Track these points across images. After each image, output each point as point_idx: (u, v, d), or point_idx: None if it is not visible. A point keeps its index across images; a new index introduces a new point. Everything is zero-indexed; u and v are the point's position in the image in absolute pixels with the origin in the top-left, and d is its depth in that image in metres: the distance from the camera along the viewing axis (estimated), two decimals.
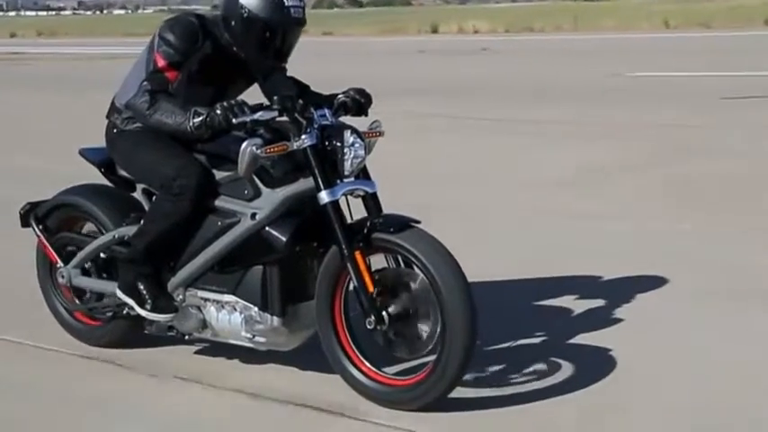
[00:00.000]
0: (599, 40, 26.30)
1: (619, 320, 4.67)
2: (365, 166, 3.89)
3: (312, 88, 4.32)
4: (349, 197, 3.88)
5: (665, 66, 17.51)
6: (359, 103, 4.06)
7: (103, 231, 4.36)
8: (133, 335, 4.42)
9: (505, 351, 4.31)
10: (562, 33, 30.56)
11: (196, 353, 4.42)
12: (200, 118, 3.76)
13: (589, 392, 3.86)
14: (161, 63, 3.94)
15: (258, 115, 3.76)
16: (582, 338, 4.43)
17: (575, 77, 16.27)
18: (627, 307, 4.85)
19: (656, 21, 31.07)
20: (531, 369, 4.08)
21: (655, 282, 5.20)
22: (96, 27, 48.64)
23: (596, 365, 4.10)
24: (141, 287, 4.09)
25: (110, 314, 4.39)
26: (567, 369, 4.07)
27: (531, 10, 39.69)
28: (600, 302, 4.92)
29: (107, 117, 4.27)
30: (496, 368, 4.09)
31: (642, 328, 4.57)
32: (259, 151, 3.72)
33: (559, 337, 4.47)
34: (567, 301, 4.97)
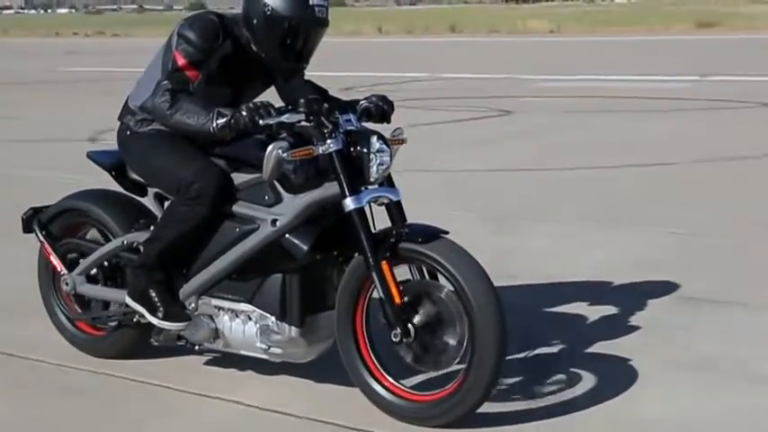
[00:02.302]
0: None
1: (635, 328, 4.62)
2: (389, 174, 3.79)
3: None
4: (372, 205, 3.77)
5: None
6: (382, 109, 3.96)
7: (111, 237, 4.22)
8: (138, 346, 4.28)
9: (522, 361, 4.23)
10: None
11: (204, 364, 4.29)
12: (224, 119, 3.63)
13: (611, 406, 3.79)
14: (181, 61, 3.80)
15: (285, 118, 3.64)
16: (599, 348, 4.37)
17: (25, 68, 19.66)
18: (640, 315, 4.80)
19: (374, 27, 33.51)
20: (551, 380, 4.01)
21: (668, 287, 5.19)
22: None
23: (616, 377, 4.04)
24: (153, 294, 3.94)
25: (115, 323, 4.24)
26: (588, 380, 4.00)
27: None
28: (614, 310, 4.87)
29: (119, 119, 4.12)
30: (514, 380, 4.00)
31: (659, 336, 4.53)
32: (285, 155, 3.60)
33: (577, 346, 4.40)
34: (580, 308, 4.91)
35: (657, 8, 44.85)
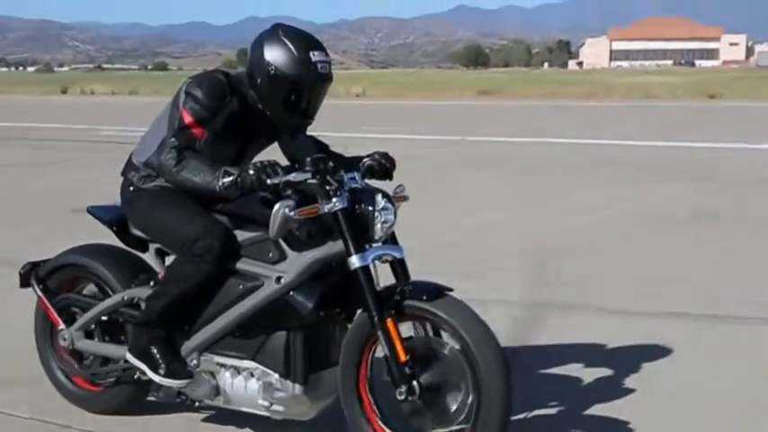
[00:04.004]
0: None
1: (631, 390, 4.62)
2: (393, 231, 3.81)
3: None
4: (376, 263, 3.77)
5: None
6: (385, 167, 3.98)
7: (110, 293, 4.19)
8: (134, 402, 4.24)
9: (523, 423, 4.21)
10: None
11: (202, 421, 4.24)
12: (231, 178, 3.64)
13: None
14: (188, 119, 3.80)
15: (292, 177, 3.66)
16: (597, 410, 4.36)
17: None
18: (635, 376, 4.80)
19: None
20: None
21: (663, 349, 5.22)
22: None
23: None
24: (155, 351, 3.91)
25: (113, 379, 4.20)
26: None
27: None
28: (609, 371, 4.87)
29: (123, 174, 4.12)
30: None
31: (656, 396, 4.53)
32: (292, 213, 3.61)
33: (574, 408, 4.40)
34: (575, 370, 4.90)
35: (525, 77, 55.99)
